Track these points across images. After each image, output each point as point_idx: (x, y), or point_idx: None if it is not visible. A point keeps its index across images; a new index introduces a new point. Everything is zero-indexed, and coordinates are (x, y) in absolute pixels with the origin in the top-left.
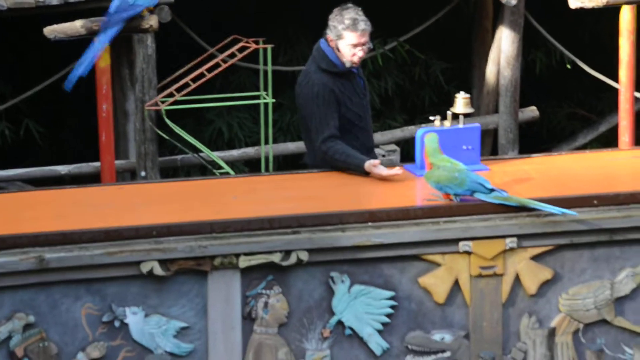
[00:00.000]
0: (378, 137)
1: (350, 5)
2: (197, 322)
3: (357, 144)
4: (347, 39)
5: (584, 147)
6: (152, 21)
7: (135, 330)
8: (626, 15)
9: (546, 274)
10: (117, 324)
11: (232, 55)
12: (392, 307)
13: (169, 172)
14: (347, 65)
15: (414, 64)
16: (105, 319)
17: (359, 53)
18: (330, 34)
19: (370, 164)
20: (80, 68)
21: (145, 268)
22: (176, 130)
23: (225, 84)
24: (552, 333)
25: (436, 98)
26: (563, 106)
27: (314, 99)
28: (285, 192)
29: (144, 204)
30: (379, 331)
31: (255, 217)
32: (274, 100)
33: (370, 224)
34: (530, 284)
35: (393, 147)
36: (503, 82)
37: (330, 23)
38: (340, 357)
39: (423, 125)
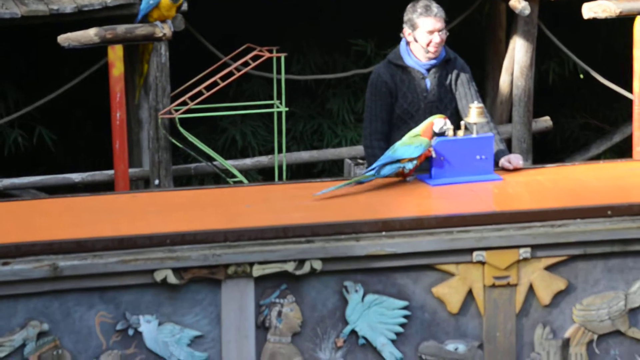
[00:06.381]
0: None
1: None
2: (210, 330)
3: None
4: (423, 25)
5: (597, 158)
6: (166, 29)
7: (149, 339)
8: None
9: (560, 284)
10: (130, 332)
11: (246, 64)
12: (405, 316)
13: (183, 181)
14: (424, 59)
15: None
16: (119, 327)
17: (435, 39)
18: (405, 28)
19: None
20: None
21: (159, 276)
22: (190, 139)
23: (239, 92)
24: (566, 344)
25: None
26: (576, 116)
27: (368, 87)
28: (298, 201)
29: (157, 212)
30: (393, 341)
31: (269, 226)
32: (287, 109)
33: (384, 233)
34: (544, 295)
35: None
36: (516, 92)
37: (405, 17)
38: None
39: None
